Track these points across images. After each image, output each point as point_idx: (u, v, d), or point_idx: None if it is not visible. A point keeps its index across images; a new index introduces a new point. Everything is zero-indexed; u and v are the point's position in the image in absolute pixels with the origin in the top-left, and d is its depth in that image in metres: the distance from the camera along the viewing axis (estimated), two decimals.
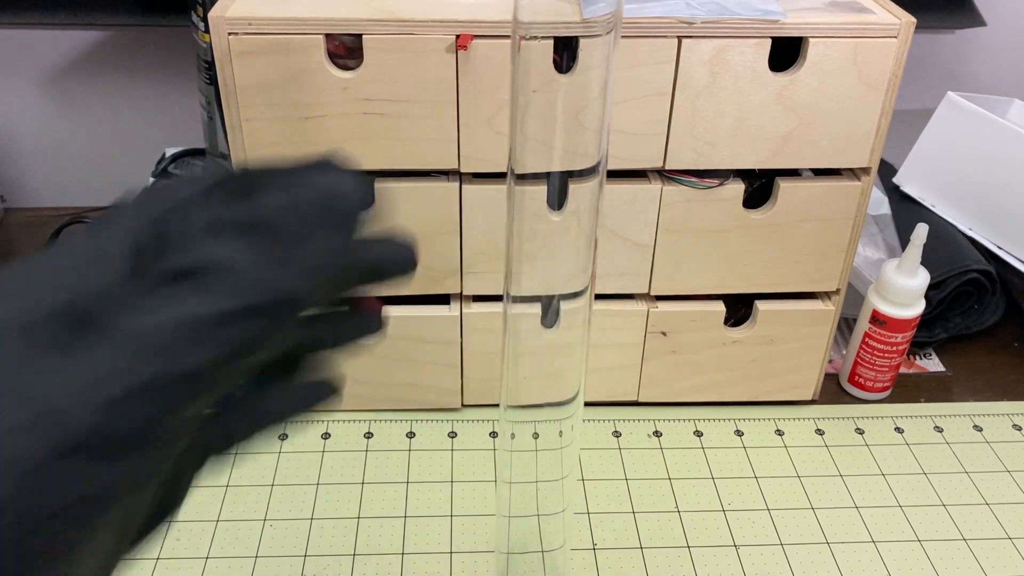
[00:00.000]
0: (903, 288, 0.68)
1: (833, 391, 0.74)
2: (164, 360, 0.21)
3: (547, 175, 0.37)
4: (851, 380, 0.73)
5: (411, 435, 0.68)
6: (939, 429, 0.70)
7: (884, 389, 0.73)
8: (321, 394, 0.29)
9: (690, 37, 0.55)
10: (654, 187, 0.61)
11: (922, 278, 0.68)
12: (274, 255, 0.24)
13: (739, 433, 0.69)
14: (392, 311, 0.65)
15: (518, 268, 0.40)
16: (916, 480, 0.65)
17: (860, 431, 0.70)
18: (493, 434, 0.68)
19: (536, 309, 0.42)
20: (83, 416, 0.20)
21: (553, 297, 0.41)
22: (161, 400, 0.21)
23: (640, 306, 0.66)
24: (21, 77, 0.94)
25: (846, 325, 0.80)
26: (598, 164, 0.37)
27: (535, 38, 0.34)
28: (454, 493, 0.63)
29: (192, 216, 0.24)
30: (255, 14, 0.54)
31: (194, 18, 0.70)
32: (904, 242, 0.76)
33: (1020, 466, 0.67)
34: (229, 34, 0.54)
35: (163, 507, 0.26)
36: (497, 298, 0.66)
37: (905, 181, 0.84)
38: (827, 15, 0.57)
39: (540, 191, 0.38)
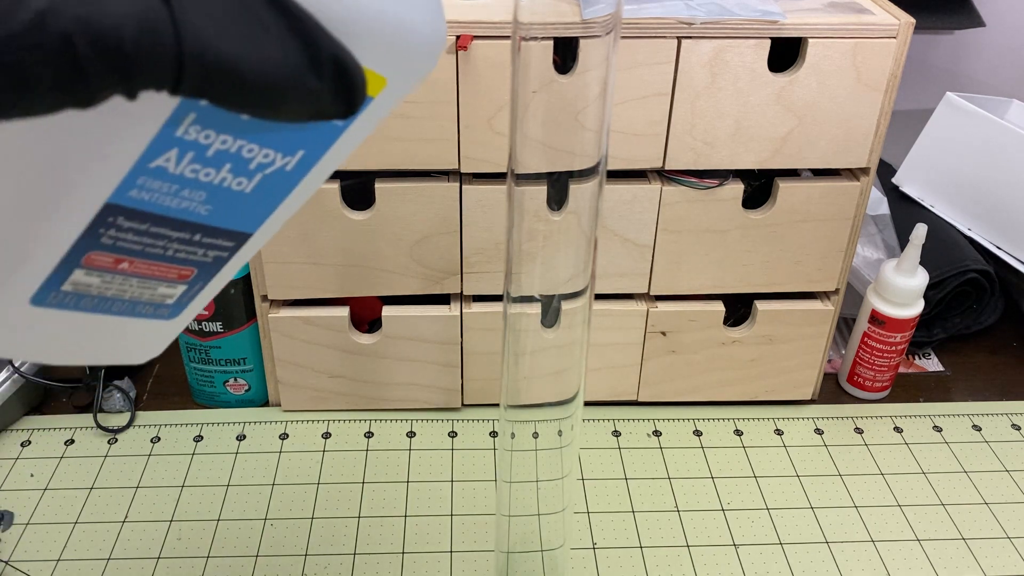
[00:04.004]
0: (902, 288, 0.68)
1: (832, 391, 0.74)
2: None
3: (547, 175, 0.38)
4: (850, 380, 0.73)
5: (411, 435, 0.68)
6: (938, 429, 0.70)
7: (883, 389, 0.73)
8: None
9: (689, 38, 0.56)
10: (654, 187, 0.61)
11: (921, 278, 0.68)
12: None
13: (738, 433, 0.69)
14: (392, 311, 0.65)
15: (518, 268, 0.40)
16: (915, 480, 0.65)
17: (859, 431, 0.70)
18: (493, 434, 0.68)
19: (536, 309, 0.42)
20: None
21: (553, 297, 0.41)
22: None
23: (640, 306, 0.66)
24: None
25: (845, 325, 0.80)
26: (598, 164, 0.38)
27: (535, 38, 0.34)
28: (454, 493, 0.63)
29: None
30: None
31: None
32: (903, 242, 0.76)
33: (1019, 465, 0.67)
34: None
35: None
36: (497, 298, 0.66)
37: (904, 181, 0.84)
38: (826, 16, 0.57)
39: (540, 191, 0.38)
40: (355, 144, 0.29)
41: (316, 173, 0.29)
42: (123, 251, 0.27)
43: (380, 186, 0.60)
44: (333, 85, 0.24)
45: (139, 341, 0.32)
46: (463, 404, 0.70)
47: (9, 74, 0.19)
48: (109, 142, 0.24)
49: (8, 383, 0.66)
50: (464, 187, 0.60)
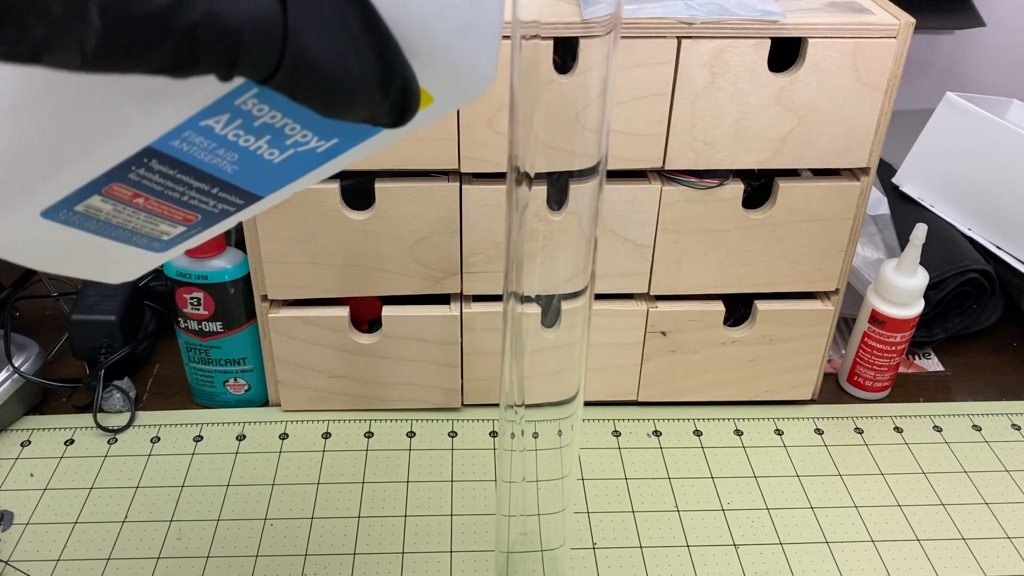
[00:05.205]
0: (902, 288, 0.68)
1: (832, 391, 0.74)
2: None
3: (547, 175, 0.38)
4: (850, 380, 0.73)
5: (411, 435, 0.68)
6: (938, 429, 0.70)
7: (883, 389, 0.73)
8: None
9: (689, 38, 0.56)
10: (654, 187, 0.61)
11: (921, 278, 0.68)
12: None
13: (738, 433, 0.69)
14: (392, 311, 0.65)
15: (518, 268, 0.40)
16: (915, 480, 0.65)
17: (859, 431, 0.70)
18: (493, 434, 0.68)
19: (536, 309, 0.42)
20: None
21: (553, 297, 0.41)
22: None
23: (640, 306, 0.66)
24: None
25: (845, 325, 0.80)
26: (598, 164, 0.38)
27: (535, 38, 0.34)
28: (454, 493, 0.63)
29: None
30: None
31: None
32: (903, 242, 0.76)
33: (1019, 465, 0.67)
34: None
35: None
36: (497, 298, 0.66)
37: (904, 181, 0.84)
38: (826, 15, 0.57)
39: (540, 191, 0.38)
40: (385, 143, 0.32)
41: (341, 159, 0.32)
42: (144, 189, 0.29)
43: (380, 186, 0.60)
44: (394, 102, 0.26)
45: (121, 265, 0.34)
46: (463, 404, 0.70)
47: (133, 46, 0.21)
48: (174, 96, 0.25)
49: (8, 383, 0.66)
50: (464, 187, 0.60)
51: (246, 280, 0.64)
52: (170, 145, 0.27)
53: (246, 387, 0.69)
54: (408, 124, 0.28)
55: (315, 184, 0.33)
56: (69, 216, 0.29)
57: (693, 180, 0.61)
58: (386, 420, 0.69)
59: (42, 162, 0.26)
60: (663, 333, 0.67)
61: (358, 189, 0.61)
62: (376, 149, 0.32)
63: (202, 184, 0.29)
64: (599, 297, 0.66)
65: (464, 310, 0.65)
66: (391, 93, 0.26)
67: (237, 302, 0.65)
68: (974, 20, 0.93)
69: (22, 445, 0.66)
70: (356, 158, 0.32)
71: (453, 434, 0.68)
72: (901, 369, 0.76)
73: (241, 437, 0.67)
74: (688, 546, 0.60)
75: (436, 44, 0.27)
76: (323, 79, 0.24)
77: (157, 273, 0.76)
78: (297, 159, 0.30)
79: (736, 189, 0.62)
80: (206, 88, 0.25)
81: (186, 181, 0.29)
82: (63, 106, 0.25)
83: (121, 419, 0.68)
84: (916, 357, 0.78)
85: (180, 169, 0.28)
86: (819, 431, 0.70)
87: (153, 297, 0.76)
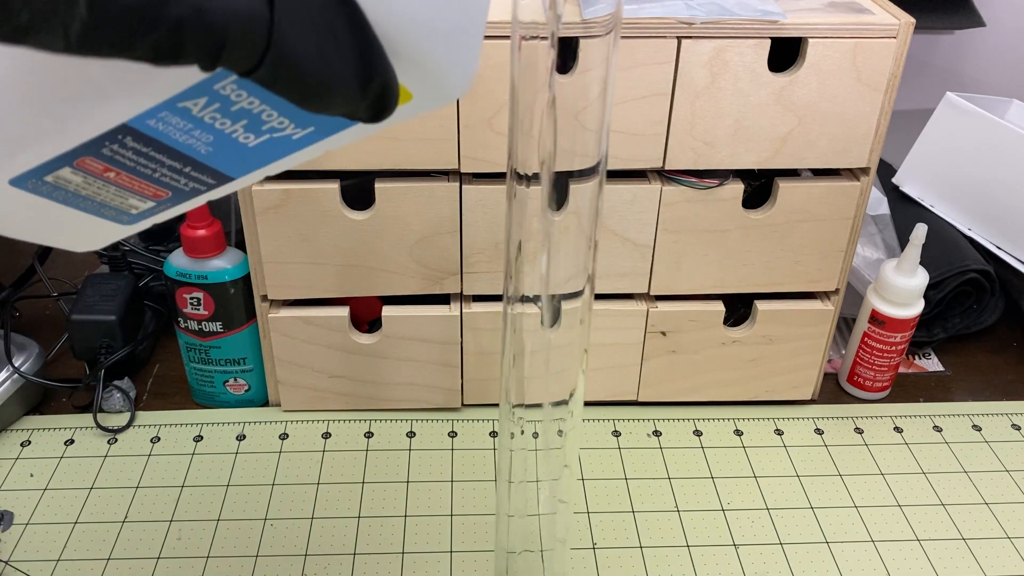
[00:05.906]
0: (902, 288, 0.68)
1: (832, 391, 0.74)
2: None
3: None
4: (850, 380, 0.73)
5: (411, 435, 0.68)
6: (938, 429, 0.70)
7: (883, 389, 0.73)
8: None
9: (689, 38, 0.56)
10: (654, 187, 0.61)
11: (921, 278, 0.68)
12: None
13: (738, 433, 0.69)
14: (392, 311, 0.65)
15: (518, 268, 0.40)
16: (915, 480, 0.65)
17: (859, 431, 0.70)
18: (493, 434, 0.68)
19: (536, 309, 0.42)
20: None
21: (553, 297, 0.41)
22: None
23: (640, 306, 0.66)
24: None
25: (845, 325, 0.80)
26: (598, 164, 0.38)
27: (535, 38, 0.34)
28: (454, 493, 0.63)
29: None
30: None
31: None
32: (903, 242, 0.76)
33: (1019, 466, 0.67)
34: None
35: None
36: (497, 298, 0.66)
37: (904, 181, 0.84)
38: (826, 15, 0.57)
39: (540, 191, 0.38)
40: (361, 135, 0.32)
41: (315, 148, 0.32)
42: (116, 164, 0.29)
43: (380, 186, 0.60)
44: (372, 101, 0.27)
45: (87, 234, 0.34)
46: (463, 404, 0.70)
47: (118, 35, 0.21)
48: (154, 78, 0.26)
49: (8, 383, 0.66)
50: (464, 187, 0.60)
51: (246, 280, 0.64)
52: (146, 124, 0.27)
53: (246, 387, 0.69)
54: (386, 120, 0.29)
55: (292, 167, 0.33)
56: (38, 185, 0.29)
57: (693, 180, 0.61)
58: (386, 420, 0.69)
59: (14, 132, 0.26)
60: (663, 333, 0.67)
61: (358, 189, 0.61)
62: (352, 140, 0.32)
63: (175, 163, 0.30)
64: (599, 297, 0.66)
65: (464, 310, 0.65)
66: (370, 92, 0.26)
67: (237, 302, 0.65)
68: (974, 20, 0.93)
69: (22, 445, 0.66)
70: (331, 147, 0.32)
71: (453, 434, 0.68)
72: (901, 369, 0.76)
73: (241, 437, 0.67)
74: (688, 546, 0.60)
75: (421, 47, 0.27)
76: (304, 75, 0.24)
77: (157, 273, 0.77)
78: (272, 144, 0.30)
79: (736, 189, 0.62)
80: (186, 72, 0.25)
81: (159, 159, 0.29)
82: (40, 79, 0.25)
83: (121, 419, 0.68)
84: (916, 357, 0.78)
85: (154, 147, 0.28)
86: (819, 431, 0.70)
87: (153, 297, 0.76)
